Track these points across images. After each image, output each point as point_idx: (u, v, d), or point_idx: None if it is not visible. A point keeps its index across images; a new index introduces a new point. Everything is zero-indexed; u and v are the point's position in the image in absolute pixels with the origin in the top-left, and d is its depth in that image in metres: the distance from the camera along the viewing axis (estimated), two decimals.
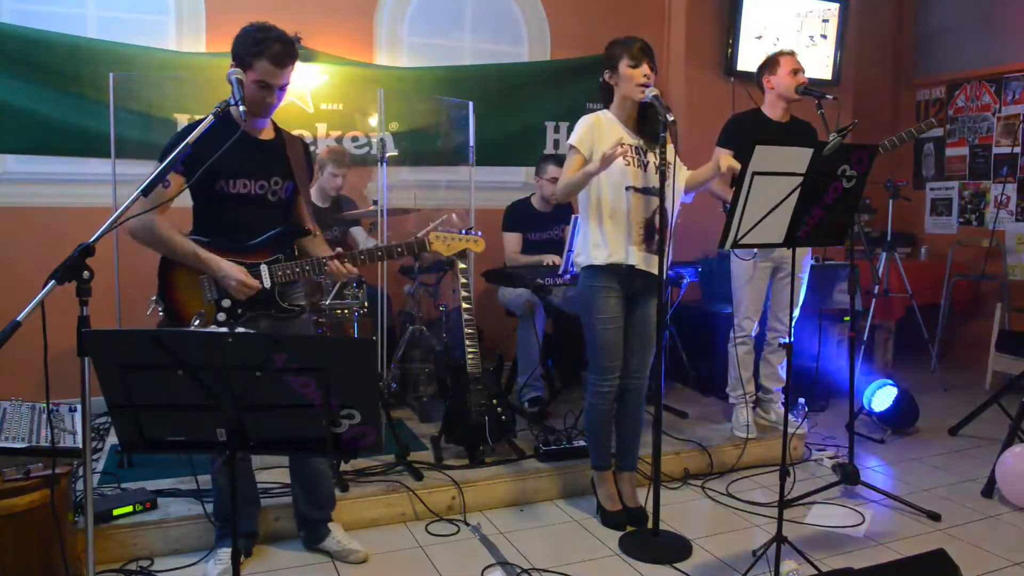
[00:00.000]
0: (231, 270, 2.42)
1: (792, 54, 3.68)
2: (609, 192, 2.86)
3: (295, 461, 2.74)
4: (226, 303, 2.47)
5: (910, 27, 6.40)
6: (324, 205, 4.19)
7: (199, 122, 2.17)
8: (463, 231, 2.78)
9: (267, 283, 2.49)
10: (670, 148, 2.72)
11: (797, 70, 3.62)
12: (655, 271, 2.88)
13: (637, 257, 2.86)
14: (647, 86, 2.79)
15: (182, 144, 2.07)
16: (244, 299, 2.46)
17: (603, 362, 2.94)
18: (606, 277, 2.89)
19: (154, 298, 2.49)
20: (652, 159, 2.90)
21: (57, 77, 3.94)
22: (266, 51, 2.34)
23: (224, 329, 2.37)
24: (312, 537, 2.78)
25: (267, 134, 2.57)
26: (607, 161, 2.71)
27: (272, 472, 3.07)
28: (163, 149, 2.39)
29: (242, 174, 2.46)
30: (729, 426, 3.84)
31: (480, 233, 2.78)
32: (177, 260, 2.44)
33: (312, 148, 4.37)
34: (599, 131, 2.88)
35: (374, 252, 2.61)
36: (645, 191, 2.86)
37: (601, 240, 2.88)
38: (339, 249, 2.57)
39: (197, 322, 2.44)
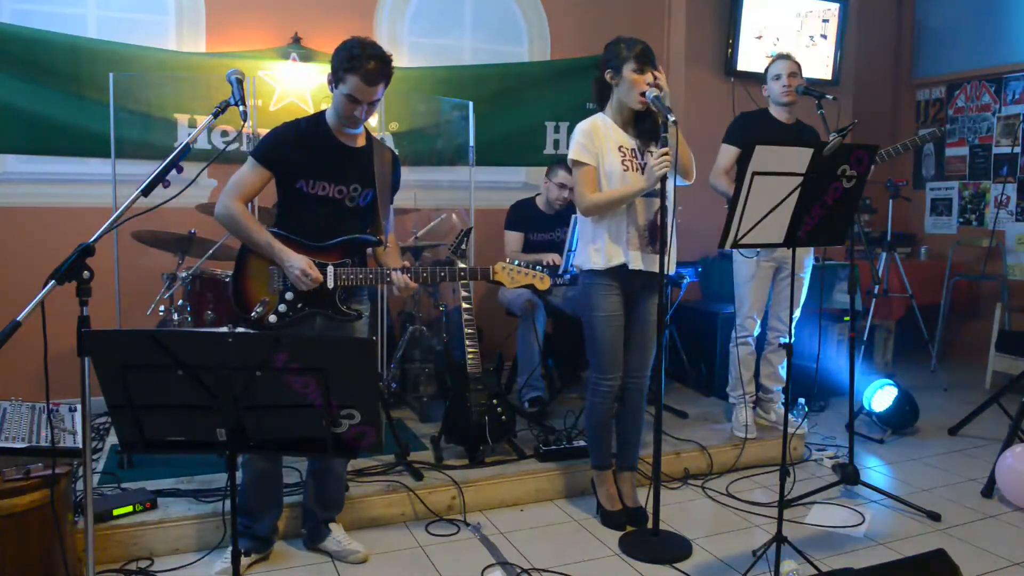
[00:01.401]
0: (297, 259, 2.50)
1: (788, 58, 3.69)
2: None
3: (316, 460, 2.75)
4: (289, 295, 2.58)
5: (910, 27, 6.41)
6: None
7: (291, 123, 2.35)
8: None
9: (330, 283, 2.57)
10: (671, 148, 2.71)
11: (779, 75, 3.65)
12: (655, 269, 2.88)
13: (637, 260, 2.86)
14: (653, 86, 2.75)
15: (183, 144, 2.09)
16: (305, 289, 2.53)
17: (604, 360, 2.94)
18: (606, 276, 2.89)
19: (228, 278, 2.58)
20: (649, 158, 2.88)
21: (57, 77, 3.93)
22: (360, 68, 2.41)
23: (270, 321, 2.52)
24: (312, 536, 2.78)
25: (357, 141, 2.63)
26: (655, 176, 2.68)
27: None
28: (260, 143, 2.59)
29: (322, 177, 2.55)
30: (729, 426, 3.84)
31: (547, 270, 2.74)
32: (252, 247, 2.55)
33: None
34: (597, 137, 2.85)
35: (436, 272, 2.68)
36: (647, 194, 2.85)
37: (601, 245, 2.87)
38: (406, 263, 2.64)
39: (260, 308, 2.55)
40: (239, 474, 2.70)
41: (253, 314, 2.55)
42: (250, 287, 2.59)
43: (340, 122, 2.55)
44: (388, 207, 2.71)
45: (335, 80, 2.49)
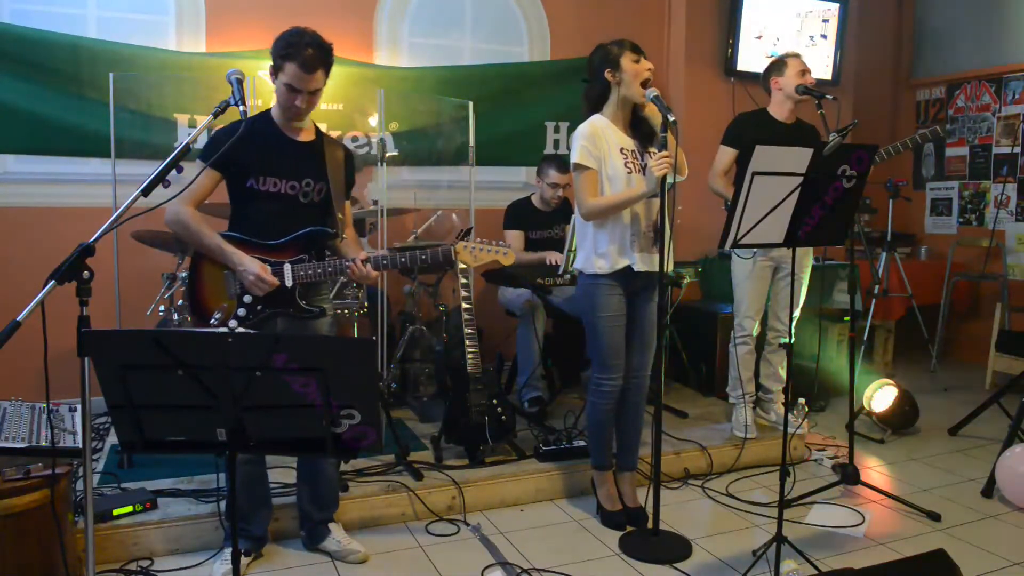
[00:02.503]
0: (250, 264, 2.45)
1: (798, 56, 3.70)
2: None
3: (303, 460, 2.74)
4: (247, 299, 2.53)
5: (910, 27, 6.41)
6: None
7: (239, 123, 2.24)
8: (493, 242, 2.68)
9: (288, 282, 2.52)
10: (671, 146, 2.71)
11: (804, 71, 3.64)
12: (655, 268, 2.88)
13: (640, 262, 2.86)
14: (647, 83, 2.78)
15: (182, 144, 2.09)
16: (261, 294, 2.49)
17: (607, 360, 2.94)
18: (609, 278, 2.88)
19: (182, 287, 2.50)
20: (649, 160, 2.88)
21: (57, 77, 3.94)
22: (296, 55, 2.39)
23: (231, 326, 2.43)
24: (312, 537, 2.78)
25: (305, 136, 2.60)
26: (656, 178, 2.68)
27: (273, 472, 3.06)
28: (204, 147, 2.53)
29: (272, 173, 2.51)
30: (729, 426, 3.84)
31: (509, 244, 2.68)
32: (204, 252, 2.51)
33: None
34: (600, 140, 2.84)
35: (396, 258, 2.62)
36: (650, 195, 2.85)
37: (605, 250, 2.86)
38: (364, 253, 2.58)
39: (218, 314, 2.49)
40: (227, 477, 2.71)
41: (212, 320, 2.47)
42: (206, 294, 2.53)
43: (284, 115, 2.51)
44: (343, 201, 2.66)
45: (275, 70, 2.44)
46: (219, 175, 2.50)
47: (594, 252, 2.89)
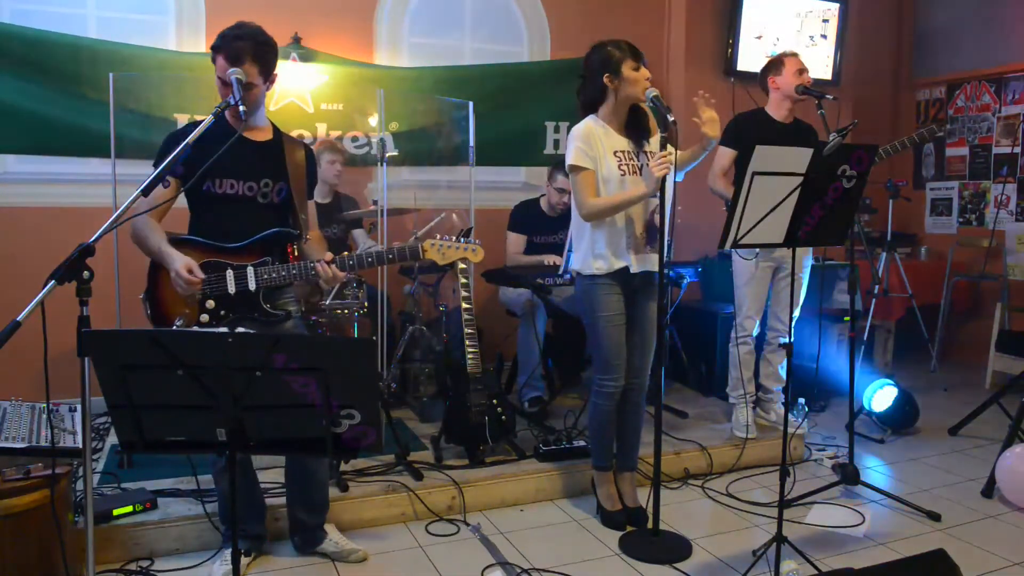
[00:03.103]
0: (177, 259, 2.35)
1: (796, 55, 3.69)
2: None
3: (291, 463, 2.73)
4: (209, 304, 2.45)
5: (910, 27, 6.40)
6: (325, 201, 4.19)
7: (196, 123, 2.18)
8: (462, 237, 2.64)
9: (252, 285, 2.46)
10: (669, 147, 2.71)
11: (802, 70, 3.64)
12: (653, 268, 2.88)
13: (636, 262, 2.86)
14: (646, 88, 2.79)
15: (182, 145, 2.09)
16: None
17: (608, 360, 2.93)
18: (607, 278, 2.88)
19: (141, 296, 2.47)
20: (645, 162, 2.88)
21: (57, 77, 3.93)
22: (224, 46, 2.34)
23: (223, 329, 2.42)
24: (308, 542, 2.76)
25: (262, 135, 2.54)
26: (656, 179, 2.68)
27: (272, 472, 3.07)
28: (158, 151, 2.42)
29: (229, 174, 2.44)
30: (729, 426, 3.84)
31: (479, 241, 2.63)
32: (151, 257, 2.43)
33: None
34: (595, 141, 2.84)
35: (363, 258, 2.56)
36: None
37: (602, 251, 2.86)
38: (328, 254, 2.52)
39: (180, 322, 2.41)
40: (215, 483, 2.70)
41: (174, 327, 2.40)
42: (166, 301, 2.43)
43: (229, 112, 2.36)
44: (305, 201, 2.58)
45: (213, 60, 2.38)
46: (176, 181, 2.41)
47: (591, 253, 2.89)
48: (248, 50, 2.34)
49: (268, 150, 2.53)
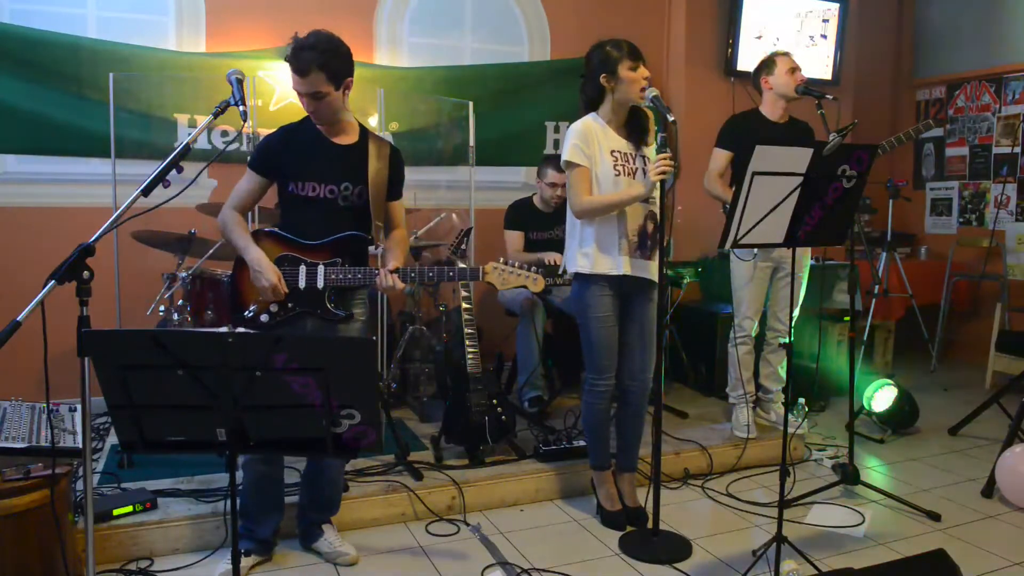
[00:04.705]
0: (268, 272, 2.50)
1: (787, 54, 3.70)
2: None
3: (311, 460, 2.74)
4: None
5: (910, 27, 6.41)
6: None
7: (287, 127, 2.37)
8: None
9: (320, 283, 2.57)
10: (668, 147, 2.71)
11: (794, 68, 3.64)
12: (650, 276, 2.88)
13: (628, 266, 2.84)
14: (645, 88, 2.78)
15: (182, 145, 2.09)
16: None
17: (599, 361, 2.94)
18: (599, 279, 2.88)
19: (225, 278, 2.68)
20: (643, 164, 2.87)
21: (57, 77, 3.94)
22: (292, 60, 2.45)
23: (262, 320, 2.56)
24: (305, 535, 2.79)
25: (347, 139, 2.62)
26: (653, 181, 2.70)
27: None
28: (255, 149, 2.65)
29: (311, 177, 2.56)
30: (729, 426, 3.84)
31: (540, 270, 2.68)
32: (238, 251, 2.57)
33: None
34: (592, 138, 2.84)
35: (425, 272, 2.68)
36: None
37: (589, 250, 2.86)
38: (394, 263, 2.62)
39: (254, 307, 2.58)
40: (240, 475, 2.72)
41: (248, 313, 2.58)
42: (245, 288, 2.60)
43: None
44: (384, 204, 2.68)
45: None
46: (266, 180, 2.60)
47: (578, 250, 2.90)
48: (313, 60, 2.42)
49: (352, 153, 2.61)
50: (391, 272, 2.56)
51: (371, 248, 2.69)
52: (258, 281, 2.51)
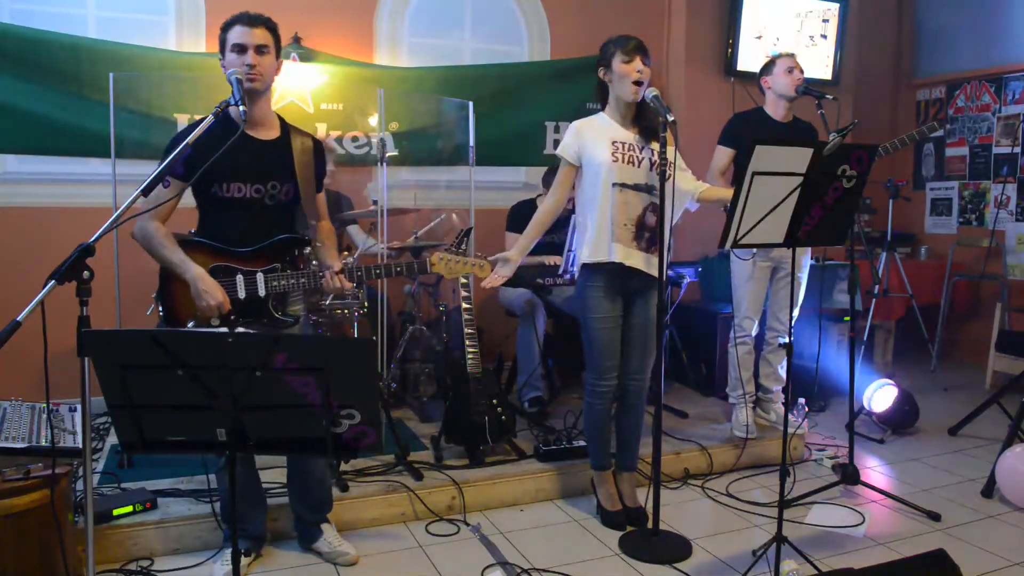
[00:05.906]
0: (213, 292, 2.36)
1: (790, 55, 3.71)
2: (595, 189, 2.85)
3: (292, 462, 2.73)
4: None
5: (910, 27, 6.40)
6: None
7: (198, 122, 2.15)
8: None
9: (261, 292, 2.46)
10: (670, 148, 2.71)
11: (792, 68, 3.65)
12: (651, 271, 2.88)
13: (622, 254, 2.84)
14: (640, 83, 2.79)
15: (181, 145, 2.08)
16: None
17: (600, 362, 2.94)
18: (601, 277, 2.89)
19: (154, 295, 2.48)
20: (650, 156, 2.88)
21: (57, 77, 3.93)
22: (239, 18, 2.38)
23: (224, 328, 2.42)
24: (304, 536, 2.78)
25: (268, 134, 2.50)
26: (505, 272, 2.82)
27: (272, 472, 3.06)
28: (164, 150, 2.39)
29: (236, 177, 2.41)
30: (729, 426, 3.84)
31: (485, 256, 2.69)
32: (167, 267, 2.40)
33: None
34: (589, 132, 2.87)
35: (371, 270, 2.59)
36: (636, 187, 2.84)
37: (588, 238, 2.89)
38: (336, 265, 2.53)
39: (192, 324, 2.42)
40: (216, 482, 2.72)
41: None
42: (179, 304, 2.42)
43: (246, 91, 2.30)
44: (313, 197, 2.56)
45: (221, 51, 2.39)
46: (182, 182, 2.38)
47: (584, 240, 2.92)
48: (262, 19, 2.40)
49: (276, 148, 2.50)
50: (337, 273, 2.48)
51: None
52: (203, 300, 2.35)
